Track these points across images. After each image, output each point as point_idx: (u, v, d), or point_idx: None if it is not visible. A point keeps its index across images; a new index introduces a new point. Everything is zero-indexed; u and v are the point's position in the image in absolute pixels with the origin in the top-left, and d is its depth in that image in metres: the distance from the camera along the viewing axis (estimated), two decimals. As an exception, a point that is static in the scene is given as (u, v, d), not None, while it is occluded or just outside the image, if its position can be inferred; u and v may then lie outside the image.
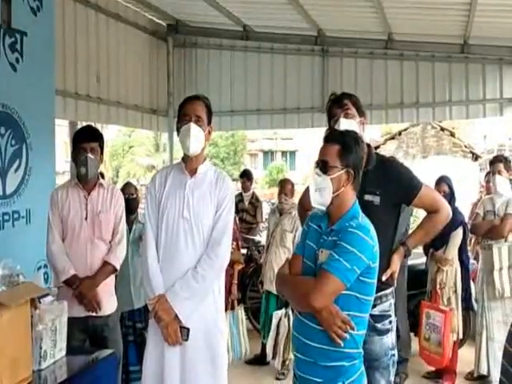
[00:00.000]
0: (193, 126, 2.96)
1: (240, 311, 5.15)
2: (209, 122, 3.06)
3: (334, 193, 2.35)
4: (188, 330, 2.88)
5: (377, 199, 2.80)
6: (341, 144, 2.37)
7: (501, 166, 5.04)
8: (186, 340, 2.88)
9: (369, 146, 2.90)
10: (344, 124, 2.80)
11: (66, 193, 3.67)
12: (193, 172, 3.03)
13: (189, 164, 3.05)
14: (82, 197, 3.66)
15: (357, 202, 2.42)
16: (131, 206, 4.57)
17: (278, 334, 5.21)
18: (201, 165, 3.05)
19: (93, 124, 5.98)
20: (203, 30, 8.23)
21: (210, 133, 3.07)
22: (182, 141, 3.01)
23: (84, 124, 6.29)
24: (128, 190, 4.75)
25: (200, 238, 2.95)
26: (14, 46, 4.88)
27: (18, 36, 4.90)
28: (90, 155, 3.60)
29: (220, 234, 2.95)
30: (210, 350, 2.95)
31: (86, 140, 3.64)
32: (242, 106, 8.52)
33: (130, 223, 4.58)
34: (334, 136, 2.47)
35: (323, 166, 2.36)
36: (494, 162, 5.18)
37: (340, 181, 2.35)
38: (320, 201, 2.39)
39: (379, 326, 2.80)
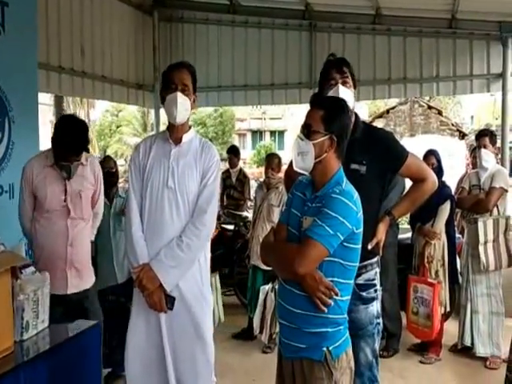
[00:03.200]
0: (179, 95, 2.91)
1: (214, 279, 5.03)
2: (194, 91, 3.00)
3: (316, 158, 2.32)
4: (173, 298, 2.86)
5: (363, 168, 2.76)
6: (326, 109, 2.33)
7: (486, 139, 5.02)
8: (171, 309, 2.86)
9: (356, 114, 2.87)
10: (343, 92, 2.73)
11: (43, 173, 3.52)
12: (177, 141, 2.98)
13: (174, 133, 3.00)
14: (60, 179, 3.54)
15: (341, 169, 2.39)
16: (111, 180, 4.52)
17: (265, 308, 5.20)
18: (185, 133, 3.00)
19: (78, 99, 5.85)
20: (190, 4, 8.14)
21: (194, 101, 3.01)
22: (167, 110, 2.95)
23: (70, 100, 6.19)
24: (107, 164, 4.69)
25: (185, 208, 2.91)
26: (-5, 16, 4.77)
27: (-1, 6, 4.79)
28: (73, 165, 3.51)
29: (206, 202, 2.91)
30: (195, 318, 2.93)
31: (74, 154, 3.50)
32: (229, 82, 8.46)
33: (110, 197, 4.53)
34: (319, 100, 2.44)
35: (306, 130, 2.33)
36: (480, 135, 5.15)
37: (322, 146, 2.32)
38: (302, 165, 2.36)
39: (364, 294, 2.79)
